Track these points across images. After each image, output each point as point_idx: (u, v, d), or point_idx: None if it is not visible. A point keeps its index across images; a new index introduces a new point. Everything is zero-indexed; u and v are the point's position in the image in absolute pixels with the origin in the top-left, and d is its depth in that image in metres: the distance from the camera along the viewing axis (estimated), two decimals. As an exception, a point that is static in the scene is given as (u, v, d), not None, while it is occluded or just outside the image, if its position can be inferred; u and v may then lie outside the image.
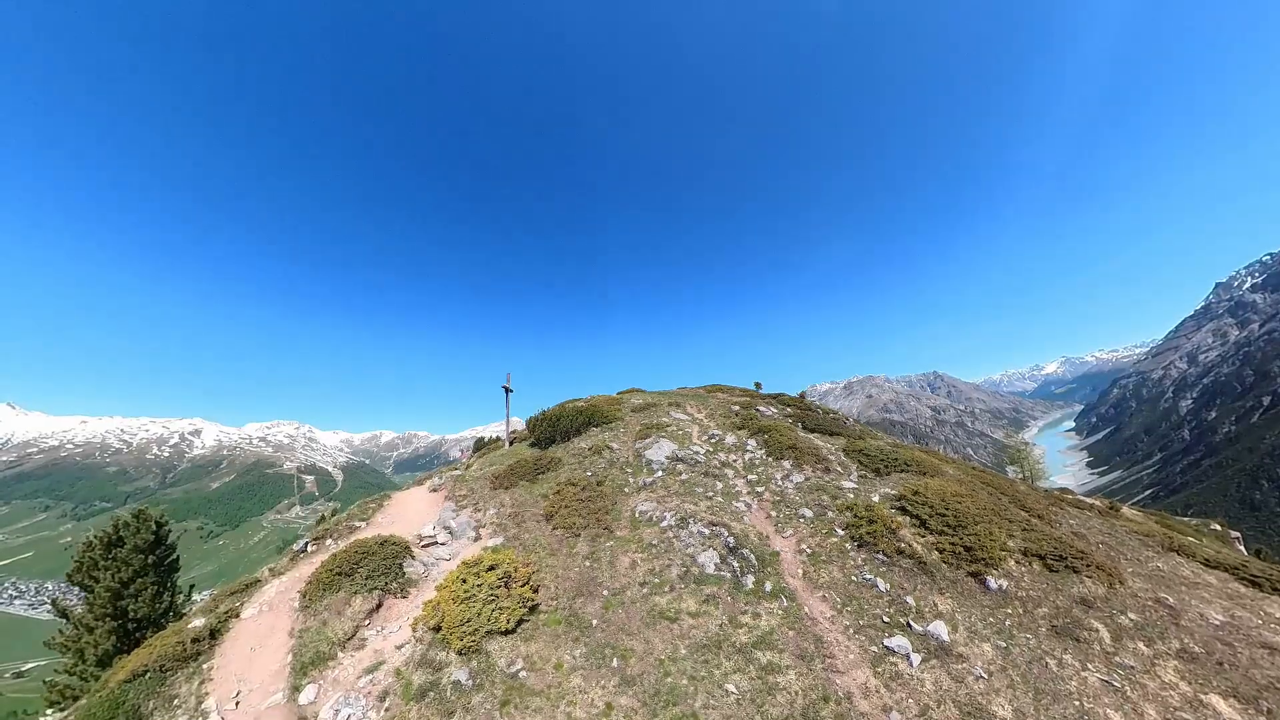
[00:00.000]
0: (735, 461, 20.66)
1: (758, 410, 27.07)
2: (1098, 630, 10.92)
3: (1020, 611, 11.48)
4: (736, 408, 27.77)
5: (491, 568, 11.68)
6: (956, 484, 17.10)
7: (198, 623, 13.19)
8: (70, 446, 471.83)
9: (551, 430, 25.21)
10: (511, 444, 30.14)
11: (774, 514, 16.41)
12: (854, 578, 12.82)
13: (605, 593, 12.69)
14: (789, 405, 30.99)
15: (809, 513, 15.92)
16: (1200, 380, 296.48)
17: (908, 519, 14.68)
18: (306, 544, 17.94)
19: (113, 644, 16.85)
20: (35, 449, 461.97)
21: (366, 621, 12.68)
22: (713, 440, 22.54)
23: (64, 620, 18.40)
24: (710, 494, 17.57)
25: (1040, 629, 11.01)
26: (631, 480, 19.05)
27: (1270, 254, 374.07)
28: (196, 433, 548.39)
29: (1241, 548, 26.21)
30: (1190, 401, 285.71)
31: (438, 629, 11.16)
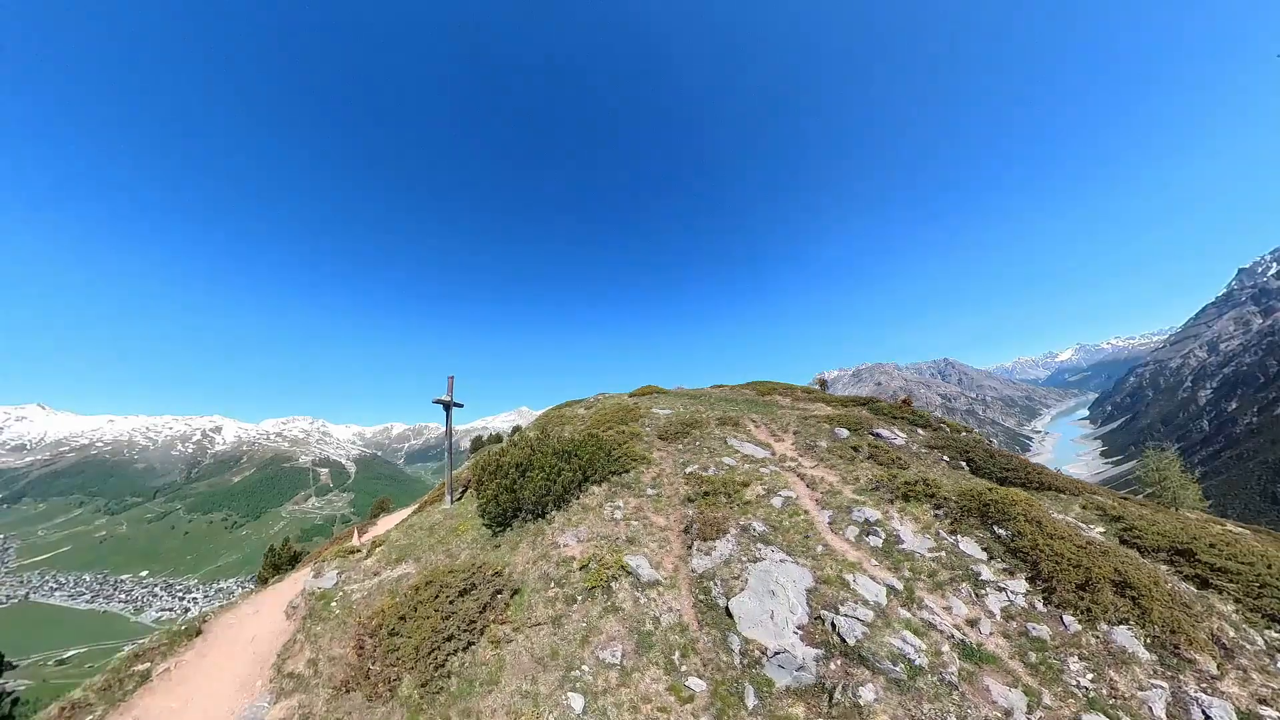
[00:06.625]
0: (987, 638, 8.57)
1: (877, 435, 18.56)
2: None
3: None
4: (844, 432, 18.50)
5: None
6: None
7: None
8: (100, 445, 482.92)
9: (511, 498, 13.42)
10: (460, 497, 17.76)
11: None
12: None
13: None
14: (915, 423, 21.44)
15: None
16: (1221, 370, 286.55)
17: None
18: None
19: None
20: (67, 448, 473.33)
21: None
22: (873, 537, 10.88)
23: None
24: None
25: None
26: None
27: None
28: (217, 430, 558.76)
29: None
30: (1210, 391, 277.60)
31: None
